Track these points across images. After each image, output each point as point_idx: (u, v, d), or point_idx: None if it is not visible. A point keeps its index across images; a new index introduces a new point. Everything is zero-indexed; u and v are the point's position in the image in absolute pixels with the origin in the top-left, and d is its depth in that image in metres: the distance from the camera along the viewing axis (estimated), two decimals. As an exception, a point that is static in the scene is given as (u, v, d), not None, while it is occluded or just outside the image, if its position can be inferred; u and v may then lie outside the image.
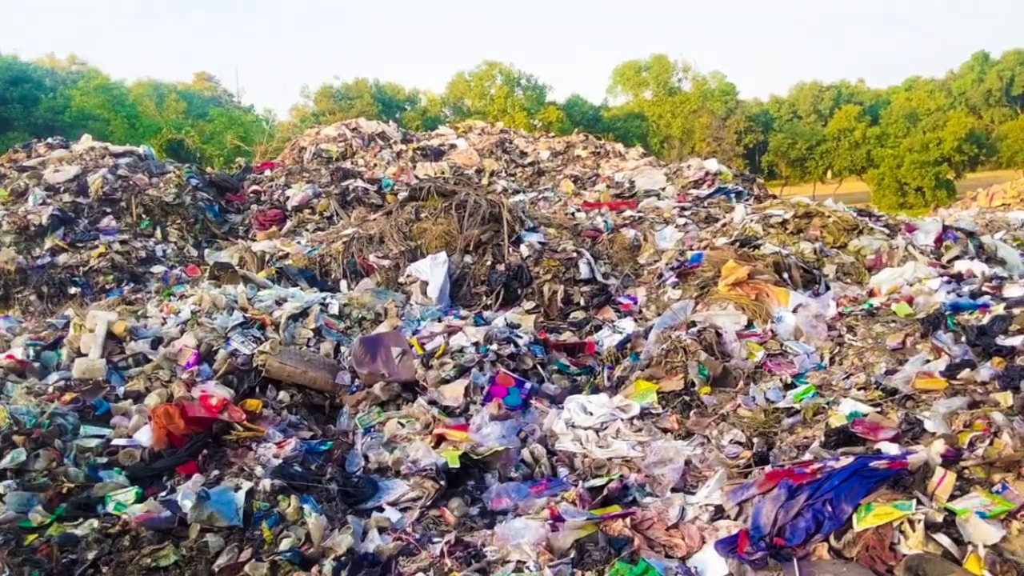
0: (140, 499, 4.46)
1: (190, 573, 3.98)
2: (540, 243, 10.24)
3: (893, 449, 4.33)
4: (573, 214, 12.79)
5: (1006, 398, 4.58)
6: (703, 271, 8.52)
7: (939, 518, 3.66)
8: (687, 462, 4.98)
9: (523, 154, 18.47)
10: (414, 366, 6.54)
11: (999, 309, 5.93)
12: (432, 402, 6.19)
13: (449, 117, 46.63)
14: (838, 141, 51.71)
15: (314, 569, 4.01)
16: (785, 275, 8.00)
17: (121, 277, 10.55)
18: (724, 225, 10.26)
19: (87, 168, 13.36)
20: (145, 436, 5.20)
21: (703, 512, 4.35)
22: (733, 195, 14.19)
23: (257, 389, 6.26)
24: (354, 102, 45.88)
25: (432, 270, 9.22)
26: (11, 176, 13.05)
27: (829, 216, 9.39)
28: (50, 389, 5.78)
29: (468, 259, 9.83)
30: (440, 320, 7.47)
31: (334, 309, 7.54)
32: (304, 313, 7.27)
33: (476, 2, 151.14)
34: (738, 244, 9.03)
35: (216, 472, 4.90)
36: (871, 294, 7.39)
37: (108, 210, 12.37)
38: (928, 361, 5.55)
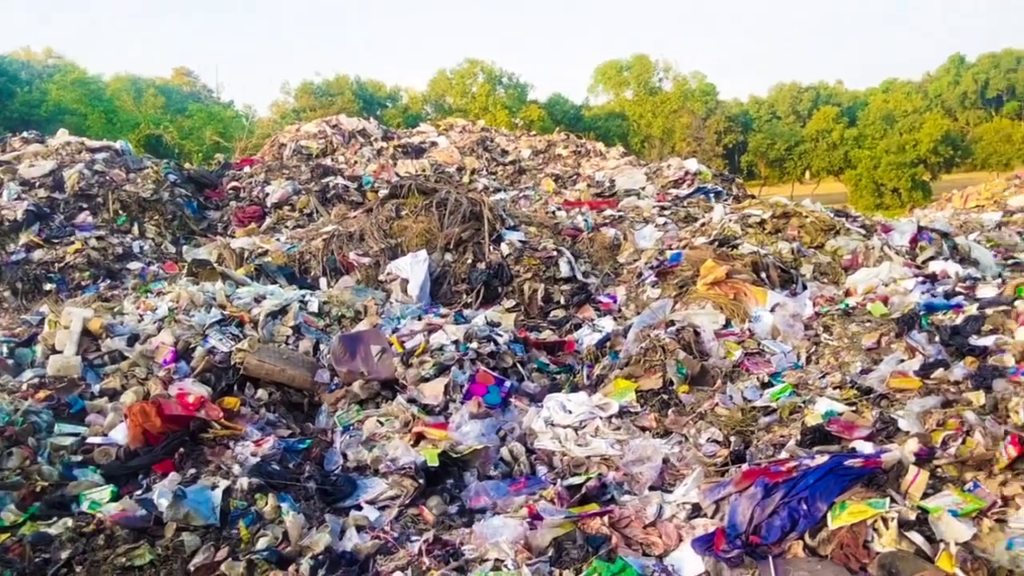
0: (115, 498, 4.42)
1: (165, 572, 3.96)
2: (521, 241, 10.25)
3: (867, 448, 4.38)
4: (554, 213, 12.81)
5: (978, 397, 4.64)
6: (682, 270, 8.57)
7: (912, 516, 3.71)
8: (665, 460, 5.02)
9: (504, 152, 18.46)
10: (394, 364, 6.53)
11: (972, 309, 6.01)
12: (411, 400, 6.19)
13: (431, 115, 46.54)
14: (816, 142, 52.23)
15: (291, 568, 4.00)
16: (763, 275, 8.07)
17: (97, 273, 10.41)
18: (703, 225, 10.31)
19: (63, 163, 13.18)
20: (121, 434, 5.15)
21: (680, 510, 4.38)
22: (712, 195, 14.28)
23: (235, 387, 6.21)
24: (335, 99, 45.65)
25: (412, 268, 9.20)
26: (-15, 171, 12.85)
27: (807, 216, 9.47)
28: (24, 386, 5.70)
29: (448, 257, 9.82)
30: (420, 318, 7.47)
31: (313, 307, 7.50)
32: (283, 311, 7.22)
33: (459, 2, 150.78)
34: (717, 244, 9.08)
35: (193, 470, 4.87)
36: (847, 294, 7.47)
37: (84, 206, 12.21)
38: (902, 360, 5.61)
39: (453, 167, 16.74)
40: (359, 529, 4.51)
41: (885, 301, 6.84)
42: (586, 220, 11.93)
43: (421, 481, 5.04)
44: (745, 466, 4.54)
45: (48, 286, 10.00)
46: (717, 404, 5.69)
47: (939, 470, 4.08)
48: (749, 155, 54.54)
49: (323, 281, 9.38)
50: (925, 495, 3.87)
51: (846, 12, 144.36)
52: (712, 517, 4.23)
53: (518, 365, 7.03)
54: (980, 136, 57.13)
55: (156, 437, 5.09)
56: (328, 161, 16.21)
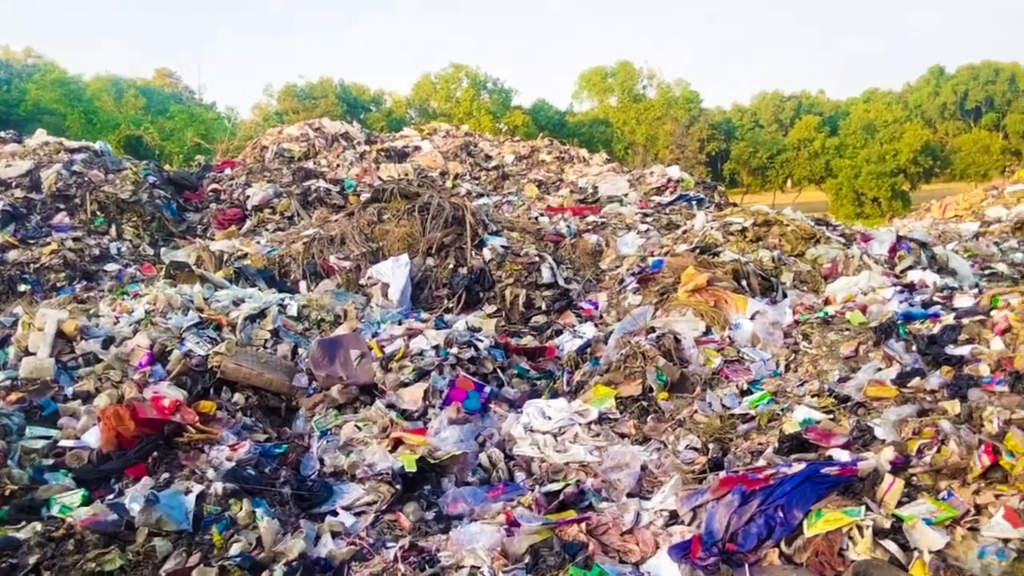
0: (86, 502, 4.36)
1: (135, 578, 3.90)
2: (503, 247, 10.24)
3: (844, 456, 4.39)
4: (536, 218, 12.82)
5: (953, 407, 4.67)
6: (663, 277, 8.59)
7: (887, 524, 3.73)
8: (643, 467, 5.01)
9: (488, 157, 18.47)
10: (373, 369, 6.49)
11: (949, 319, 6.06)
12: (390, 405, 6.15)
13: (414, 119, 46.48)
14: (798, 151, 52.66)
15: (264, 574, 3.95)
16: (743, 282, 8.10)
17: (73, 275, 10.29)
18: (685, 232, 10.35)
19: (40, 163, 13.03)
20: (93, 438, 5.08)
21: (658, 517, 4.37)
22: (694, 202, 14.34)
23: (211, 391, 6.15)
24: (318, 102, 45.53)
25: (394, 272, 9.16)
26: (-39, 170, 12.67)
27: (787, 225, 9.53)
28: (-5, 388, 5.62)
29: (430, 262, 9.80)
30: (400, 323, 7.43)
31: (292, 310, 7.45)
32: (262, 314, 7.17)
33: (444, 5, 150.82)
34: (698, 251, 9.11)
35: (166, 475, 4.82)
36: (826, 302, 7.51)
37: (61, 206, 12.08)
38: (880, 369, 5.65)
39: (436, 172, 16.73)
40: (334, 535, 4.46)
41: (864, 310, 6.88)
42: (568, 226, 11.95)
43: (398, 487, 5.00)
44: (723, 473, 4.54)
45: (23, 287, 9.86)
46: (696, 411, 5.69)
47: (914, 478, 4.10)
48: (732, 163, 54.92)
49: (303, 285, 9.32)
50: (900, 503, 3.88)
51: (828, 22, 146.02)
52: (689, 524, 4.22)
53: (498, 371, 7.01)
54: (959, 147, 57.89)
55: (130, 441, 5.03)
56: (310, 164, 16.16)
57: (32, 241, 10.96)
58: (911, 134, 50.12)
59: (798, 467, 4.21)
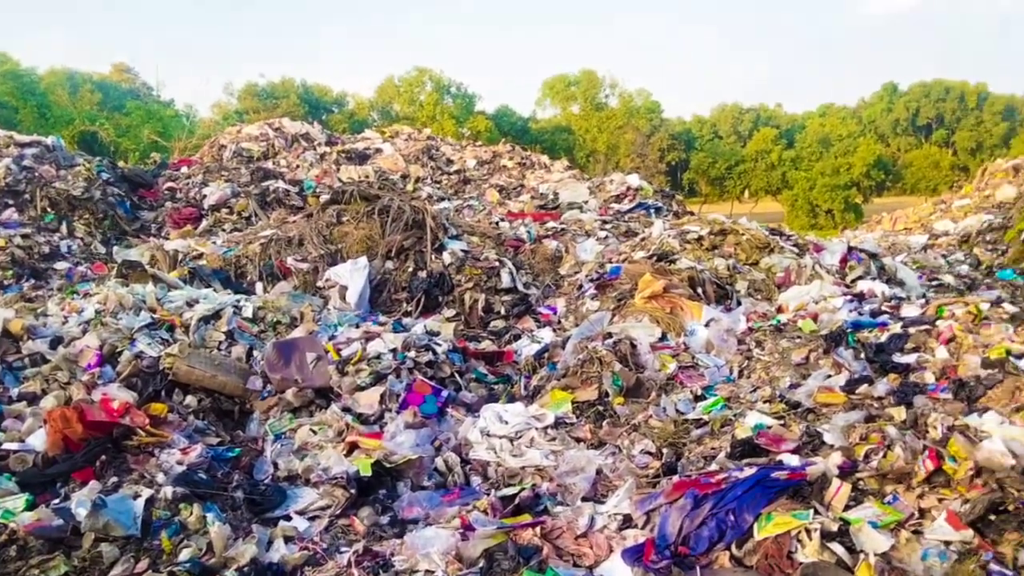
0: (31, 507, 4.24)
1: (81, 584, 3.81)
2: (463, 251, 10.24)
3: (794, 460, 4.47)
4: (497, 223, 12.85)
5: (900, 413, 4.80)
6: (621, 284, 8.67)
7: (834, 527, 3.81)
8: (598, 471, 5.05)
9: (449, 162, 18.45)
10: (329, 372, 6.44)
11: (896, 328, 6.22)
12: (346, 409, 6.10)
13: (377, 121, 46.24)
14: (756, 162, 53.63)
15: (215, 579, 3.89)
16: (699, 290, 8.21)
17: (21, 273, 10.02)
18: (643, 239, 10.46)
19: (-11, 157, 12.68)
20: (39, 440, 4.95)
21: (612, 521, 4.41)
22: (653, 210, 14.50)
23: (163, 393, 6.04)
24: (280, 102, 45.04)
25: (352, 275, 9.10)
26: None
27: (743, 234, 9.69)
28: (-63, 389, 5.45)
29: (389, 265, 9.75)
30: (358, 326, 7.38)
31: (248, 312, 7.35)
32: (216, 315, 7.06)
33: (409, 9, 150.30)
34: (655, 258, 9.21)
35: (115, 479, 4.70)
36: (779, 310, 7.65)
37: (10, 202, 11.77)
38: (829, 376, 5.77)
39: (397, 174, 16.66)
40: (287, 540, 4.41)
41: (815, 318, 7.03)
42: (529, 232, 12.00)
43: (353, 491, 4.96)
44: (676, 478, 4.59)
45: (-32, 285, 9.58)
46: (651, 416, 5.76)
47: (861, 483, 4.19)
48: (691, 173, 55.64)
49: (259, 286, 9.20)
50: (847, 507, 3.97)
51: (787, 37, 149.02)
52: (643, 528, 4.26)
53: (456, 375, 7.01)
54: (910, 162, 59.44)
55: (77, 444, 4.90)
56: (269, 164, 15.97)
57: (-22, 238, 10.65)
58: (864, 148, 51.37)
59: (749, 471, 4.29)
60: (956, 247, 14.70)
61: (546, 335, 8.32)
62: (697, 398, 6.02)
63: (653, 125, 54.33)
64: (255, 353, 6.72)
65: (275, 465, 5.45)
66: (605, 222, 13.30)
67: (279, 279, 9.40)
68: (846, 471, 4.25)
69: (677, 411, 5.83)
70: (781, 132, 61.48)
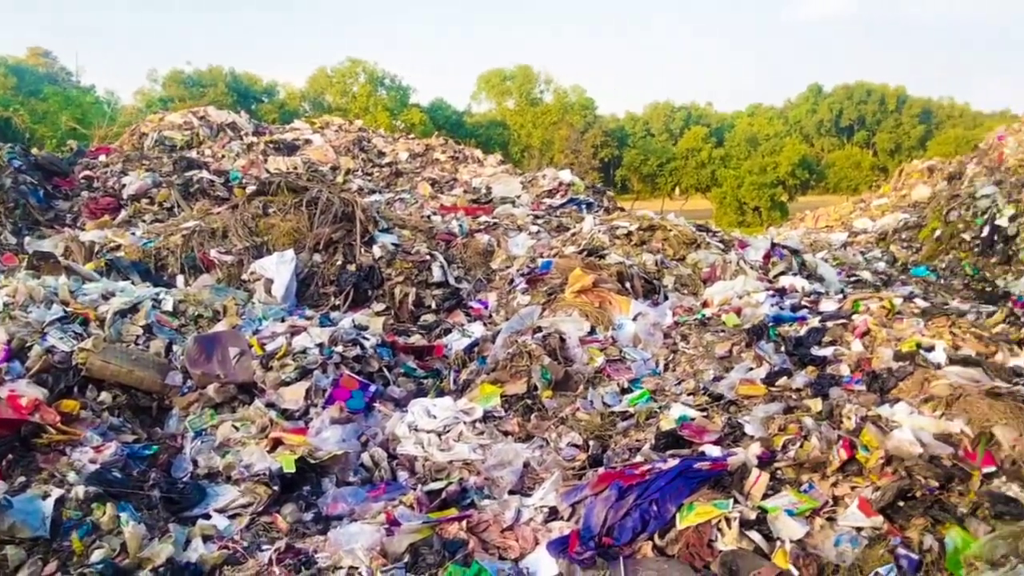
0: (-70, 508, 4.03)
1: (-17, 589, 3.64)
2: (393, 244, 10.13)
3: (716, 451, 4.57)
4: (429, 217, 12.75)
5: (816, 404, 4.96)
6: (552, 278, 8.72)
7: (753, 516, 3.91)
8: (526, 464, 5.06)
9: (381, 154, 18.21)
10: (252, 367, 6.29)
11: (815, 322, 6.42)
12: (270, 405, 5.97)
13: (308, 112, 45.37)
14: (686, 160, 54.69)
15: (128, 581, 3.76)
16: (627, 284, 8.31)
17: (-76, 264, 9.49)
18: (574, 235, 10.53)
19: None
20: (-61, 439, 4.70)
21: (538, 514, 4.43)
22: (584, 206, 14.61)
23: (76, 389, 5.80)
24: (207, 90, 43.75)
25: (278, 268, 8.90)
26: None
27: (670, 230, 9.85)
28: None
29: (317, 258, 9.58)
30: (283, 320, 7.22)
31: (168, 305, 7.11)
32: (134, 309, 6.81)
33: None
34: (585, 253, 9.29)
35: (22, 478, 4.52)
36: (704, 305, 7.80)
37: (-88, 190, 11.11)
38: (751, 369, 5.92)
39: (327, 166, 16.35)
40: (206, 539, 4.30)
41: (738, 312, 7.19)
42: (461, 225, 11.94)
43: (276, 488, 4.88)
44: (602, 469, 4.64)
45: None
46: (578, 409, 5.80)
47: (779, 472, 4.31)
48: (624, 169, 56.36)
49: (180, 279, 8.92)
50: (765, 496, 4.08)
51: (719, 37, 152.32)
52: (568, 520, 4.29)
53: (384, 370, 6.92)
54: (833, 162, 61.56)
55: (-20, 442, 4.68)
56: (193, 154, 15.45)
57: None
58: (790, 148, 52.92)
59: (672, 463, 4.36)
60: (874, 244, 15.26)
61: (477, 329, 8.30)
62: (624, 391, 6.09)
63: (587, 122, 54.83)
64: (175, 348, 6.51)
65: (195, 462, 5.32)
66: (537, 217, 13.35)
67: (202, 272, 9.13)
68: (765, 461, 4.36)
69: (604, 404, 5.88)
70: (711, 131, 62.84)
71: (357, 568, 3.93)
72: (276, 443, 5.39)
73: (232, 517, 4.65)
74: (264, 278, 8.87)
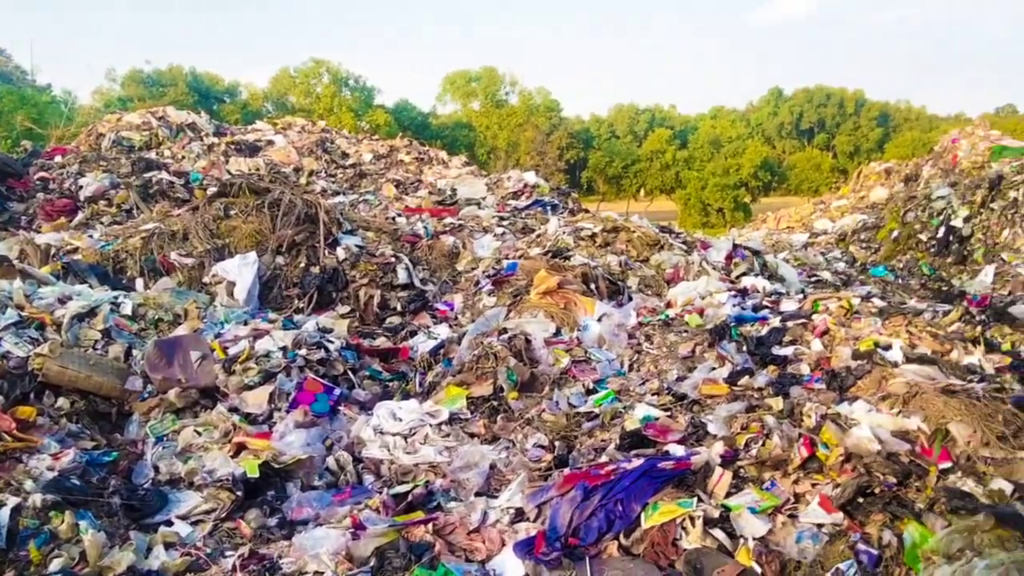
0: None
1: (-66, 602, 3.55)
2: (358, 246, 10.06)
3: (679, 451, 4.62)
4: (394, 219, 12.68)
5: (777, 403, 5.04)
6: (517, 280, 8.73)
7: (716, 514, 3.96)
8: (492, 466, 5.05)
9: (345, 155, 18.07)
10: (215, 371, 6.20)
11: (776, 322, 6.52)
12: (233, 409, 5.89)
13: (271, 113, 44.91)
14: (651, 162, 55.14)
15: (87, 590, 3.69)
16: (592, 286, 8.35)
17: None
18: (539, 236, 10.57)
19: None
20: None
21: (504, 515, 4.43)
22: (549, 208, 14.66)
23: (32, 395, 5.67)
24: (167, 90, 43.10)
25: (240, 270, 8.78)
26: None
27: (634, 231, 9.93)
28: None
29: (280, 260, 9.47)
30: (246, 323, 7.14)
31: (127, 309, 6.98)
32: (92, 313, 6.68)
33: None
34: (551, 255, 9.32)
35: (-24, 488, 4.40)
36: (668, 305, 7.88)
37: None
38: (714, 368, 6.00)
39: (290, 167, 16.19)
40: (168, 546, 4.24)
41: (701, 313, 7.28)
42: (426, 227, 11.90)
43: (239, 493, 4.81)
44: (567, 470, 4.66)
45: None
46: (544, 410, 5.81)
47: (742, 470, 4.37)
48: (589, 171, 56.70)
49: (140, 282, 8.75)
50: (728, 494, 4.14)
51: (682, 39, 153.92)
52: (535, 521, 4.31)
53: (349, 373, 6.88)
54: (794, 164, 62.57)
55: (-69, 451, 4.55)
56: (152, 155, 15.19)
57: None
58: (752, 150, 53.69)
59: (637, 462, 4.40)
60: (834, 245, 15.56)
61: (443, 331, 8.29)
62: (589, 391, 6.12)
63: (552, 123, 55.02)
64: (135, 352, 6.40)
65: (156, 469, 5.22)
66: (502, 219, 13.36)
67: (162, 275, 8.96)
68: (728, 460, 4.42)
69: (570, 404, 5.91)
70: (675, 133, 63.47)
71: (323, 573, 3.91)
72: (239, 448, 5.33)
73: (195, 523, 4.58)
74: (226, 281, 8.74)
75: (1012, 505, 3.78)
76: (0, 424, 4.99)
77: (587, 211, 14.28)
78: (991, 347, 5.64)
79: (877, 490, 4.01)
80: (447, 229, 12.14)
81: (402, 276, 9.78)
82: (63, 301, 6.81)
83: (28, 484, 4.50)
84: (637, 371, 6.48)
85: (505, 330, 7.02)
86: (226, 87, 50.64)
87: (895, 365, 5.17)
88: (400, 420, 5.70)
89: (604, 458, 4.80)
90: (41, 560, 3.88)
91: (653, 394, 5.80)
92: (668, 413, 5.32)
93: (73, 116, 31.74)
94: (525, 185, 15.67)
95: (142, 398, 6.00)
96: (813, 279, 11.67)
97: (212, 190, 10.51)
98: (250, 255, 9.06)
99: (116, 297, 7.17)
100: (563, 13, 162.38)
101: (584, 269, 8.59)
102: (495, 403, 6.09)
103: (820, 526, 3.86)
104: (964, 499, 3.83)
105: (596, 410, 5.66)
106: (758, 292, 7.90)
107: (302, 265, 9.45)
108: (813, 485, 4.17)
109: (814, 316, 6.45)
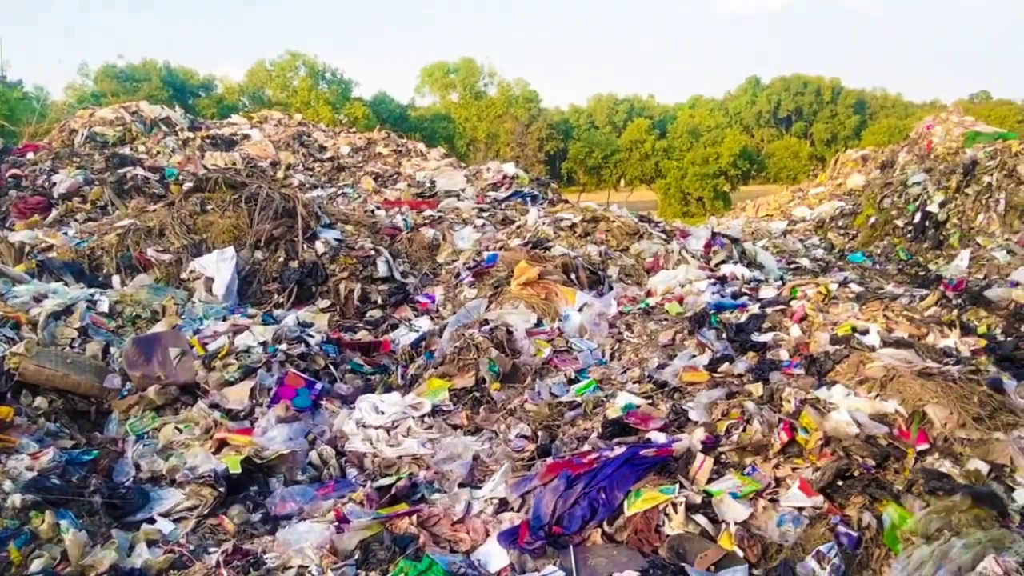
0: None
1: (-88, 606, 3.51)
2: (337, 240, 10.01)
3: (661, 438, 4.66)
4: (373, 212, 12.62)
5: (757, 389, 5.08)
6: (498, 271, 8.73)
7: (698, 500, 4.00)
8: (475, 457, 5.07)
9: (322, 148, 17.94)
10: (194, 367, 6.16)
11: (755, 308, 6.57)
12: (214, 405, 5.87)
13: (248, 107, 44.45)
14: (630, 152, 55.14)
15: (70, 589, 3.67)
16: (573, 276, 8.37)
17: None
18: (519, 227, 10.57)
19: None
20: None
21: (488, 506, 4.45)
22: (529, 198, 14.64)
23: (9, 395, 5.60)
24: (141, 84, 42.54)
25: (218, 266, 8.71)
26: None
27: (614, 221, 9.95)
28: None
29: (259, 255, 9.40)
30: (225, 319, 7.10)
31: (104, 307, 6.91)
32: (68, 311, 6.60)
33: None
34: (531, 246, 9.33)
35: (-46, 490, 4.35)
36: (648, 294, 7.92)
37: None
38: (694, 356, 6.03)
39: (267, 161, 16.05)
40: (150, 544, 4.22)
41: (681, 301, 7.32)
42: (405, 220, 11.87)
43: (222, 490, 4.79)
44: (550, 460, 4.68)
45: None
46: (527, 400, 5.83)
47: (723, 456, 4.41)
48: (569, 162, 56.59)
49: (116, 279, 8.66)
50: (710, 480, 4.18)
51: (660, 28, 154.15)
52: (518, 510, 4.32)
53: (330, 367, 6.86)
54: (772, 152, 62.87)
55: (-94, 453, 4.49)
56: (127, 150, 15.00)
57: None
58: (731, 139, 53.90)
59: (619, 450, 4.43)
60: (812, 232, 15.69)
61: (424, 324, 8.27)
62: (571, 381, 6.14)
63: (531, 114, 54.86)
64: (112, 350, 6.34)
65: (137, 466, 5.20)
66: (482, 210, 13.33)
67: (138, 272, 8.87)
68: (709, 446, 4.46)
69: (552, 394, 5.93)
70: (654, 123, 63.58)
71: (307, 567, 3.89)
72: (221, 444, 5.31)
73: (177, 521, 4.57)
74: (204, 276, 8.67)
75: (988, 485, 3.85)
76: (-24, 425, 4.93)
77: (567, 202, 14.28)
78: (967, 330, 5.73)
79: (856, 473, 4.06)
80: (427, 221, 12.11)
81: (382, 269, 9.74)
82: (38, 299, 6.73)
83: (7, 484, 4.45)
84: (618, 360, 6.50)
85: (486, 321, 7.02)
86: (201, 81, 50.04)
87: (872, 349, 5.24)
88: (382, 413, 5.70)
89: (587, 447, 4.83)
90: (22, 561, 3.85)
91: (634, 382, 5.83)
92: (649, 401, 5.35)
93: (45, 112, 31.30)
94: (504, 176, 15.62)
95: (121, 396, 5.95)
96: (792, 266, 11.78)
97: (188, 185, 10.40)
98: (228, 250, 8.99)
99: (92, 295, 7.10)
100: (541, 4, 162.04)
101: (564, 259, 8.60)
102: (477, 394, 6.10)
103: (801, 509, 3.91)
104: (941, 480, 3.89)
105: (578, 399, 5.68)
106: (737, 280, 7.95)
107: (281, 260, 9.39)
108: (793, 469, 4.22)
109: (792, 302, 6.51)
